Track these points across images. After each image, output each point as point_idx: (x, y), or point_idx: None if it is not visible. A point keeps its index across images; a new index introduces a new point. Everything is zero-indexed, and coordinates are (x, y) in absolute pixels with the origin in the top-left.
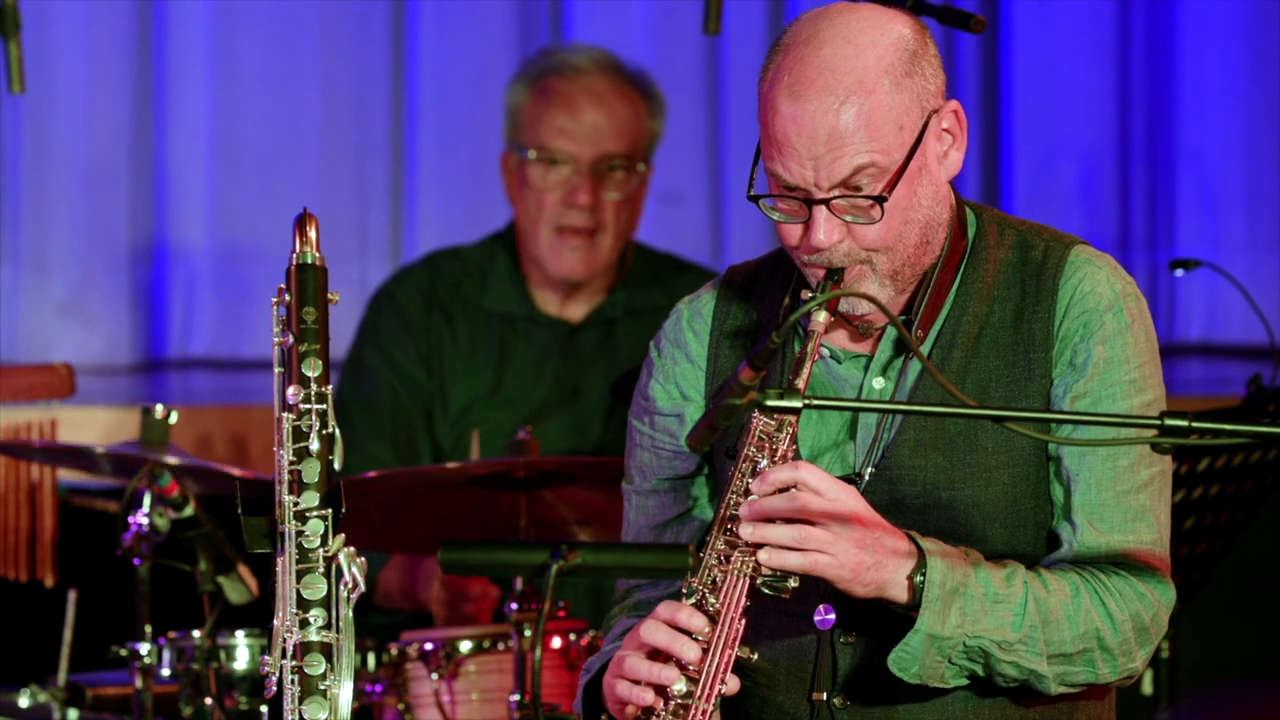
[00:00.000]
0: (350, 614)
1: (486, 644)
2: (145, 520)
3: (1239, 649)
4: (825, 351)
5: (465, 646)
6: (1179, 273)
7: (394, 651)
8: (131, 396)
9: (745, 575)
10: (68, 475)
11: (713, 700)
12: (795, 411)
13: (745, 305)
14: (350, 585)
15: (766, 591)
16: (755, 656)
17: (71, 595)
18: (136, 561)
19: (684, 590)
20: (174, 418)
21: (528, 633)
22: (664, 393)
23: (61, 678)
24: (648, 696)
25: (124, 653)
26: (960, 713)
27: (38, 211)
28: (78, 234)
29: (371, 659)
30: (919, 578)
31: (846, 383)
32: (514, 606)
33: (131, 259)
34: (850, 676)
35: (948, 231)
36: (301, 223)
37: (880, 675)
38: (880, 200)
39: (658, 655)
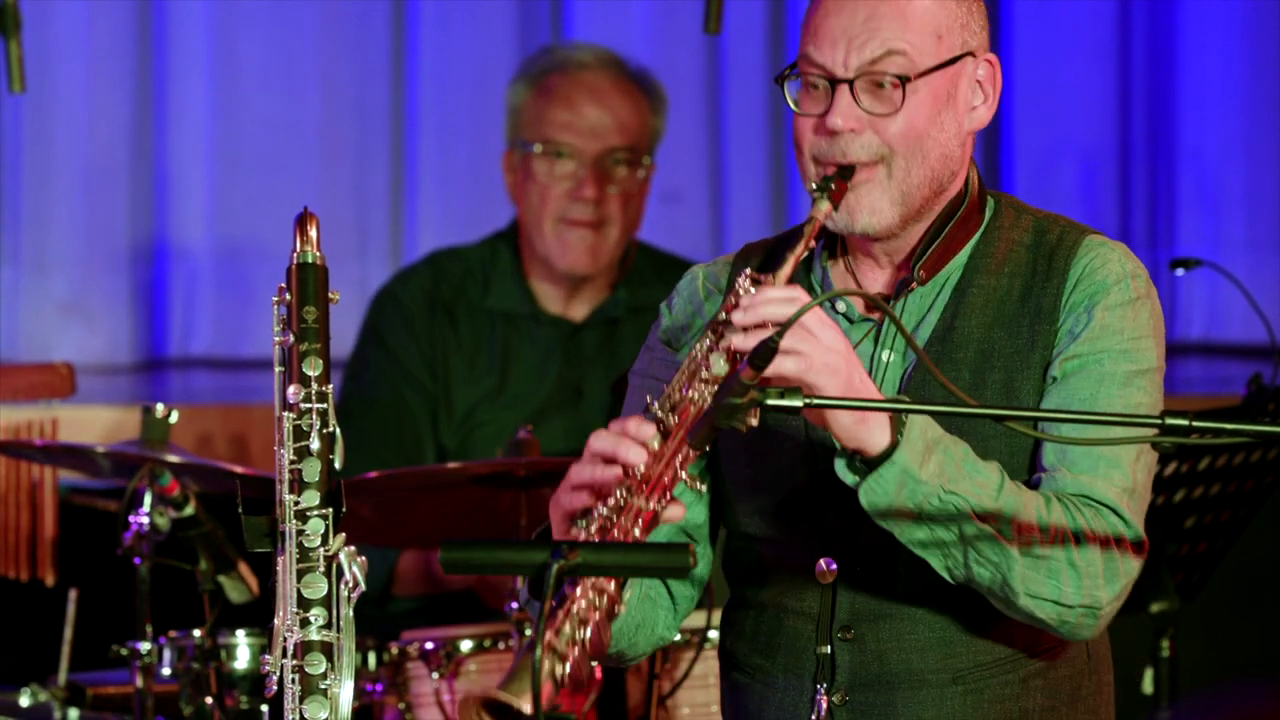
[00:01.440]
0: (351, 613)
1: (487, 643)
2: (146, 519)
3: (1239, 649)
4: (841, 305)
5: (466, 646)
6: (1180, 272)
7: (395, 651)
8: (132, 396)
9: (705, 401)
10: (68, 475)
11: (655, 507)
12: (795, 410)
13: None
14: (351, 584)
15: (722, 424)
16: (703, 487)
17: (72, 594)
18: (137, 561)
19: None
20: (174, 417)
21: (528, 632)
22: (673, 341)
23: (62, 677)
24: (585, 499)
25: (124, 652)
26: (959, 709)
27: (38, 211)
28: (78, 234)
29: (372, 658)
30: (900, 425)
31: (859, 353)
32: (514, 606)
33: (132, 258)
34: (850, 674)
35: (964, 192)
36: (302, 222)
37: (880, 672)
38: (904, 80)
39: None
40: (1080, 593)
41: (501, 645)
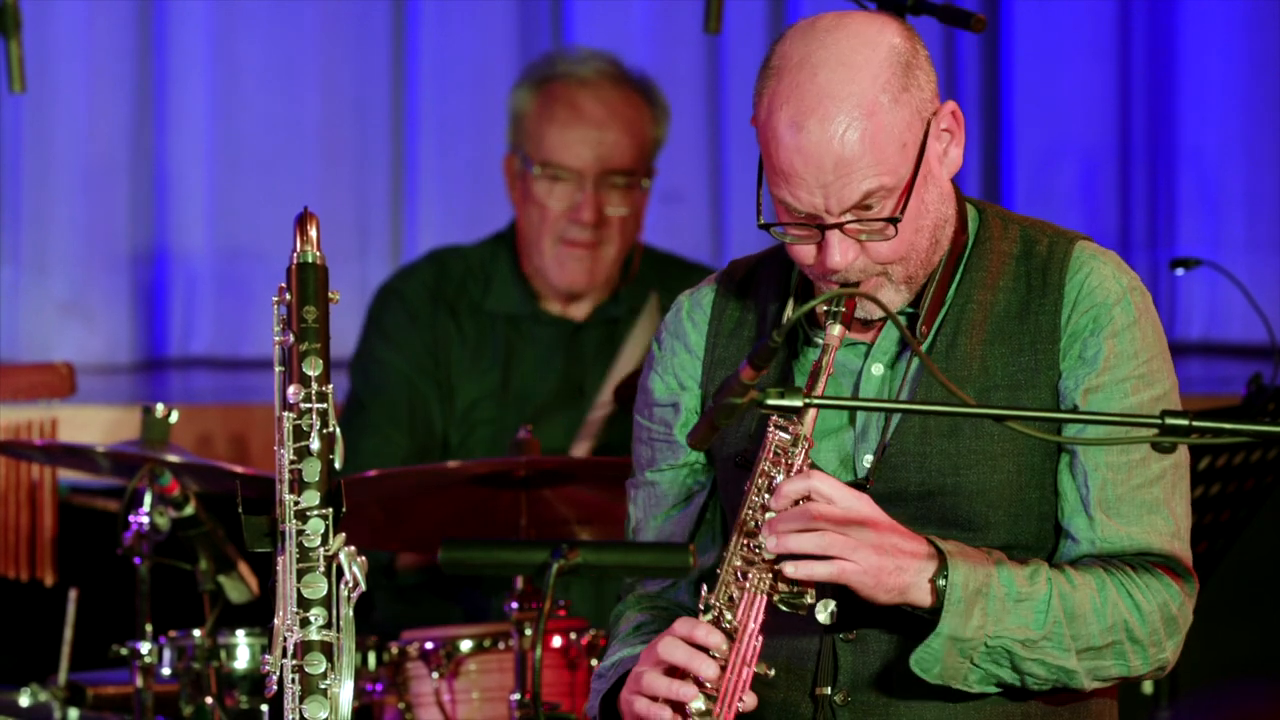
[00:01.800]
0: (350, 613)
1: (487, 643)
2: (146, 519)
3: (1239, 649)
4: (819, 338)
5: (466, 645)
6: (1180, 272)
7: (394, 650)
8: (132, 395)
9: (763, 591)
10: (68, 474)
11: (731, 718)
12: (795, 410)
13: (745, 298)
14: (351, 584)
15: (784, 609)
16: (773, 673)
17: (72, 594)
18: (137, 560)
19: (701, 607)
20: (174, 417)
21: (528, 632)
22: (661, 384)
23: (62, 677)
24: (665, 714)
25: (124, 652)
26: (962, 710)
27: (38, 211)
28: (78, 234)
29: (372, 658)
30: (941, 581)
31: (845, 368)
32: (514, 606)
33: (132, 258)
34: (852, 674)
35: (953, 226)
36: (302, 221)
37: (882, 672)
38: (894, 221)
39: (675, 672)
40: (1147, 661)
41: (501, 645)
